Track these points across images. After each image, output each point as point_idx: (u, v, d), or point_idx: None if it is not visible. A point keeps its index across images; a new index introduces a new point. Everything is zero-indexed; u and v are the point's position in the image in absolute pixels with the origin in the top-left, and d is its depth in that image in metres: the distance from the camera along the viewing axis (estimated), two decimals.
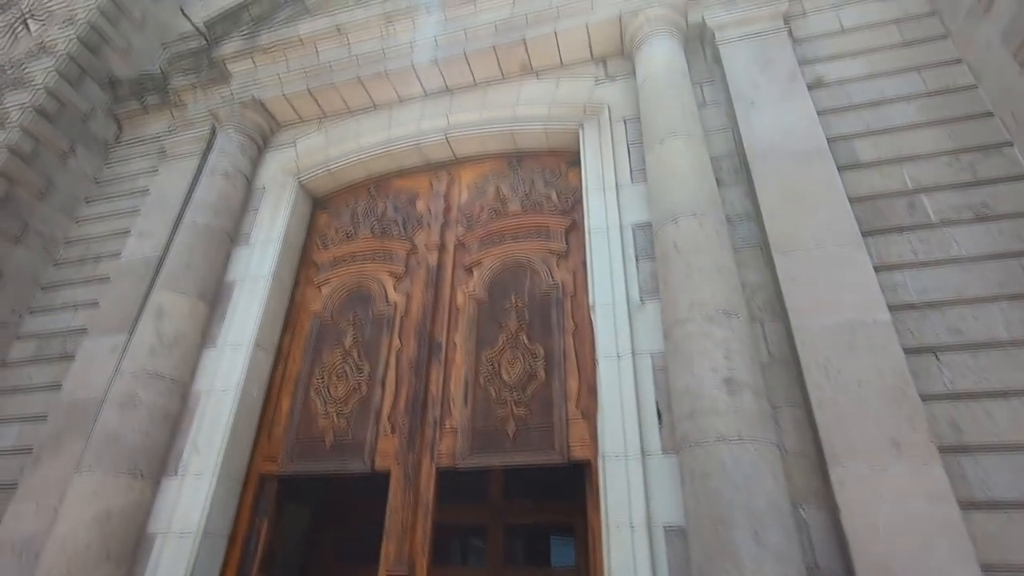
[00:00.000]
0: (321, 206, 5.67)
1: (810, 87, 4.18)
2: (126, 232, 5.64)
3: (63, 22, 6.70)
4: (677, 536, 2.98)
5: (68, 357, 5.00)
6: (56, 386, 4.83)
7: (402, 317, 4.69)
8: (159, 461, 4.14)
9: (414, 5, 5.42)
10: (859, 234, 3.44)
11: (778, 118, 4.02)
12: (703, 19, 4.67)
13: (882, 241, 3.52)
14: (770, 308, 3.49)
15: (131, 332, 4.71)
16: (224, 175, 5.32)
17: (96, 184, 6.31)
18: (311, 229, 5.51)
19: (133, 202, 5.94)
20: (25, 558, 3.81)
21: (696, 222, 3.53)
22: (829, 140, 3.89)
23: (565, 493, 5.62)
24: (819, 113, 4.03)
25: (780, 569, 2.45)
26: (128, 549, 3.85)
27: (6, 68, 6.50)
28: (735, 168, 4.09)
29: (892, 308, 3.22)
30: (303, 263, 5.31)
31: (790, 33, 4.47)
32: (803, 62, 4.35)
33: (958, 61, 4.01)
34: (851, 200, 3.63)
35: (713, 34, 4.59)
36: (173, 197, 5.57)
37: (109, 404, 4.20)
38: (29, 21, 6.98)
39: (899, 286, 3.34)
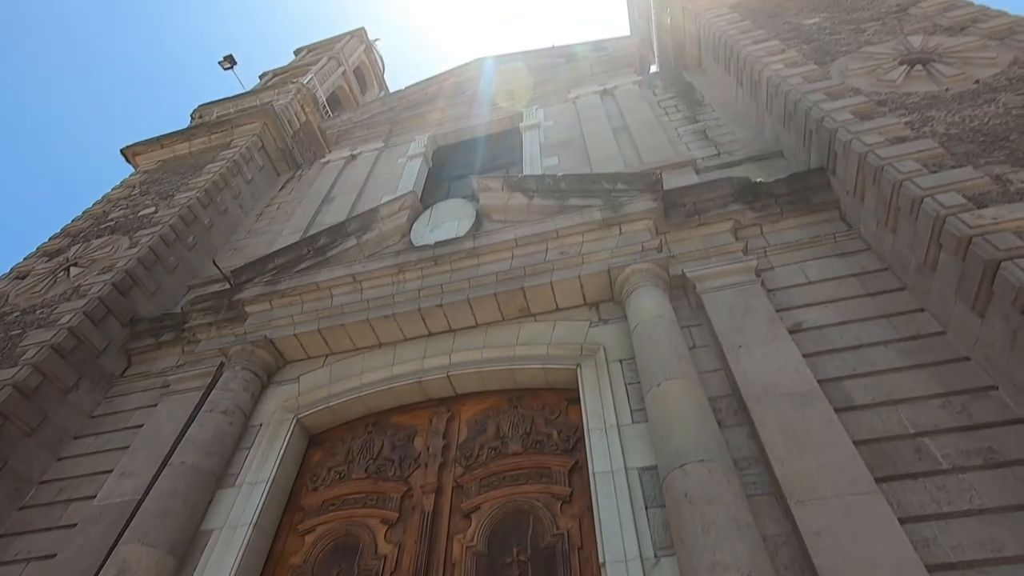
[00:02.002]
0: (316, 443, 5.54)
1: (791, 331, 4.48)
2: (108, 472, 5.38)
3: (102, 269, 7.39)
4: None
5: None
6: None
7: (391, 572, 4.22)
8: None
9: (424, 258, 6.07)
10: (873, 480, 3.35)
11: (767, 360, 4.21)
12: (683, 272, 5.22)
13: (899, 488, 3.39)
14: (797, 567, 3.19)
15: None
16: (223, 412, 5.30)
17: (90, 419, 6.22)
18: (303, 469, 5.30)
19: (124, 438, 5.79)
20: None
21: (704, 468, 3.44)
22: (820, 382, 4.02)
23: None
24: (805, 356, 4.24)
25: None
26: None
27: (37, 309, 6.94)
28: (734, 409, 4.15)
29: (931, 569, 2.96)
30: (289, 507, 4.98)
31: (763, 284, 4.95)
32: (780, 309, 4.74)
33: (921, 310, 4.38)
34: (855, 443, 3.60)
35: (694, 284, 5.08)
36: (166, 434, 5.46)
37: None
38: (72, 268, 7.70)
39: (931, 541, 3.12)
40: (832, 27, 7.32)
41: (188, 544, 4.47)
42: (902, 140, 4.72)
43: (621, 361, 4.80)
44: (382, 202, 7.33)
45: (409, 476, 4.89)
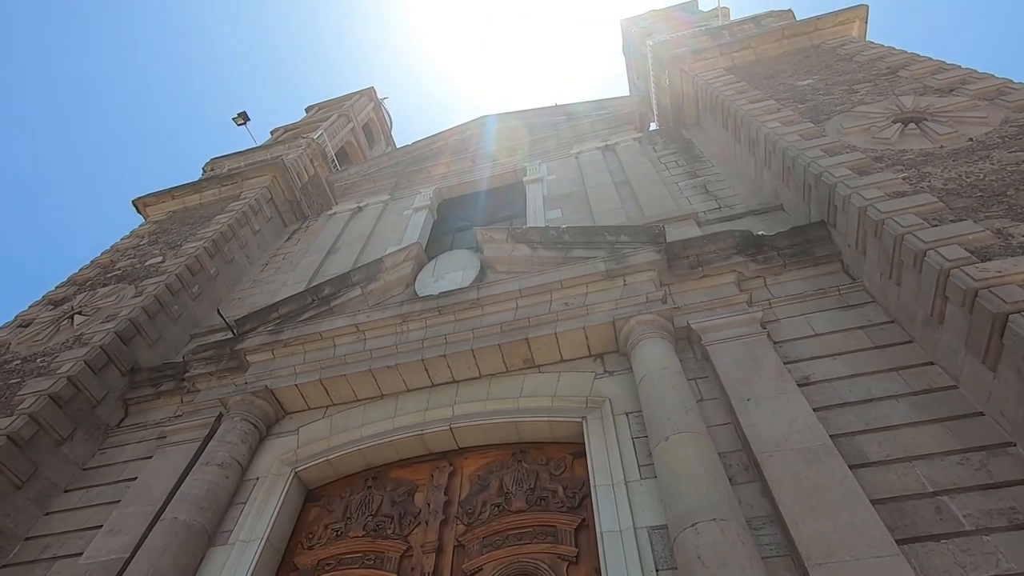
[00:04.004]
0: (313, 499, 5.37)
1: (800, 384, 4.41)
2: (96, 528, 5.19)
3: (106, 318, 7.39)
4: None
5: None
6: None
7: None
8: None
9: (428, 308, 6.08)
10: (893, 543, 3.21)
11: (777, 414, 4.13)
12: (688, 323, 5.20)
13: (921, 551, 3.25)
14: None
15: None
16: (219, 465, 5.17)
17: (82, 472, 6.06)
18: (299, 526, 5.11)
19: (116, 492, 5.62)
20: None
21: (717, 528, 3.31)
22: (833, 437, 3.92)
23: None
24: (815, 409, 4.16)
25: None
26: None
27: (37, 357, 6.90)
28: (745, 465, 4.03)
29: None
30: (283, 567, 4.77)
31: (769, 336, 4.92)
32: (787, 361, 4.69)
33: (930, 363, 4.32)
34: (873, 502, 3.48)
35: (700, 336, 5.04)
36: (159, 488, 5.31)
37: None
38: (76, 316, 7.71)
39: None
40: (825, 88, 7.60)
41: None
42: (901, 195, 4.80)
43: (627, 414, 4.71)
44: (387, 253, 7.41)
45: (409, 534, 4.71)
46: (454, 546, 4.50)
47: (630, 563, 3.63)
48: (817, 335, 4.90)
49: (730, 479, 3.88)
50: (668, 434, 4.02)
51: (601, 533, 3.89)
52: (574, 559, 4.11)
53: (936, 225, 4.31)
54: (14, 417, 5.75)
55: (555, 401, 5.10)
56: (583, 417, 4.85)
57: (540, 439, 5.09)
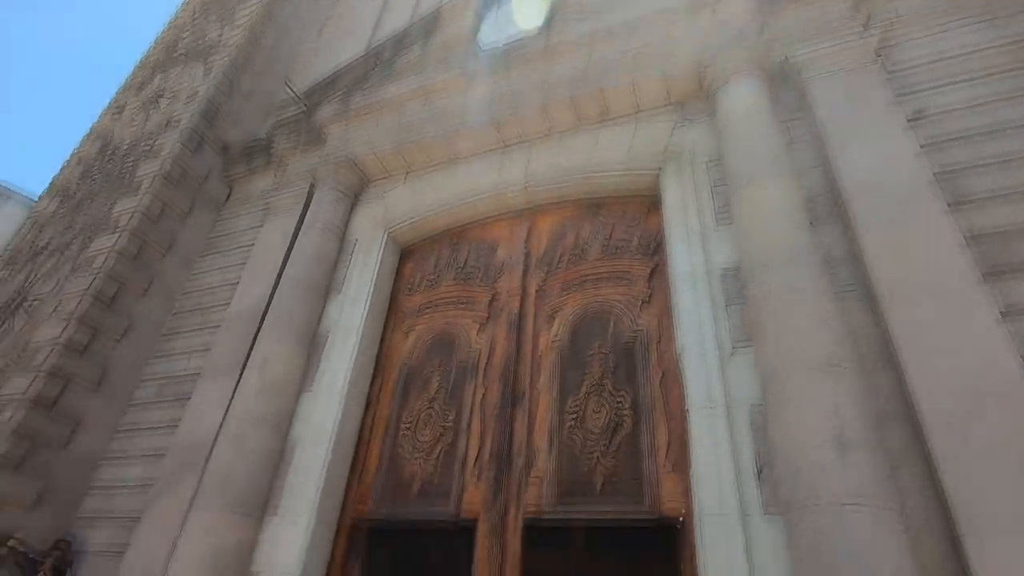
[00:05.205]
0: (406, 256, 5.94)
1: (909, 120, 3.96)
2: (235, 283, 6.16)
3: (187, 99, 7.60)
4: None
5: (184, 399, 5.45)
6: (173, 426, 5.26)
7: (486, 363, 4.76)
8: (262, 502, 4.38)
9: (493, 64, 5.69)
10: (977, 276, 3.17)
11: (875, 155, 3.81)
12: (786, 58, 4.58)
13: (1004, 283, 3.20)
14: (882, 359, 3.23)
15: (238, 378, 5.07)
16: (320, 230, 5.72)
17: (210, 240, 6.97)
18: (398, 277, 5.78)
19: (241, 255, 6.49)
20: None
21: (791, 267, 3.38)
22: (937, 175, 3.64)
23: (656, 546, 5.37)
24: (923, 146, 3.80)
25: None
26: None
27: (141, 142, 7.42)
28: (829, 208, 3.90)
29: None
30: (391, 310, 5.56)
31: (883, 65, 4.27)
32: (900, 94, 4.14)
33: None
34: (965, 238, 3.36)
35: (798, 71, 4.48)
36: (275, 251, 6.04)
37: (219, 446, 4.53)
38: (160, 99, 7.97)
39: None
40: None
41: (311, 342, 5.21)
42: None
43: (707, 162, 4.53)
44: (444, 2, 6.72)
45: (495, 282, 5.22)
46: (536, 291, 4.96)
47: (700, 299, 3.88)
48: (943, 59, 4.19)
49: (812, 221, 3.82)
50: (749, 180, 3.89)
51: (674, 275, 4.10)
52: (647, 298, 4.45)
53: None
54: (140, 195, 6.47)
55: (631, 153, 4.95)
56: (660, 168, 4.73)
57: (615, 193, 5.11)
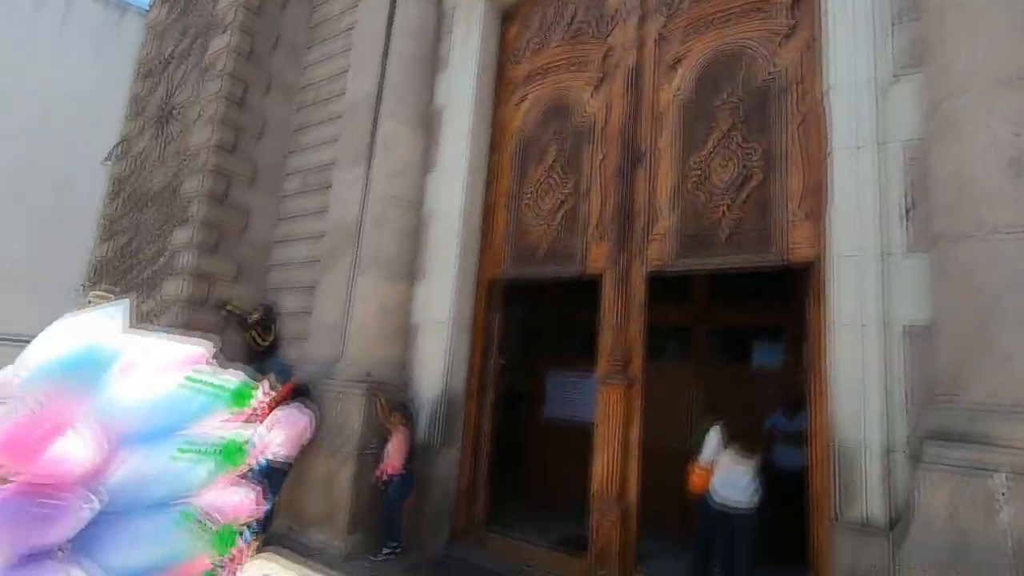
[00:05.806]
0: (509, 18, 5.48)
1: None
2: (345, 71, 6.18)
3: None
4: (919, 336, 2.81)
5: (325, 188, 6.00)
6: (323, 211, 5.91)
7: (602, 127, 4.60)
8: (410, 269, 5.02)
9: None
10: None
11: None
12: None
13: None
14: None
15: (368, 162, 5.40)
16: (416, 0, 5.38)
17: (310, 29, 6.87)
18: (502, 44, 5.43)
19: (344, 41, 6.40)
20: (337, 336, 5.11)
21: None
22: None
23: (772, 296, 5.54)
24: None
25: None
26: (400, 334, 4.95)
27: None
28: None
29: None
30: (500, 81, 5.36)
31: None
32: None
33: None
34: None
35: None
36: (375, 30, 5.82)
37: (365, 224, 5.09)
38: None
39: None
40: None
41: (428, 119, 5.30)
42: None
43: None
44: None
45: (608, 35, 4.74)
46: (655, 39, 4.46)
47: (859, 21, 3.28)
48: None
49: None
50: None
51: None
52: (789, 31, 3.84)
53: None
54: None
55: None
56: None
57: None
